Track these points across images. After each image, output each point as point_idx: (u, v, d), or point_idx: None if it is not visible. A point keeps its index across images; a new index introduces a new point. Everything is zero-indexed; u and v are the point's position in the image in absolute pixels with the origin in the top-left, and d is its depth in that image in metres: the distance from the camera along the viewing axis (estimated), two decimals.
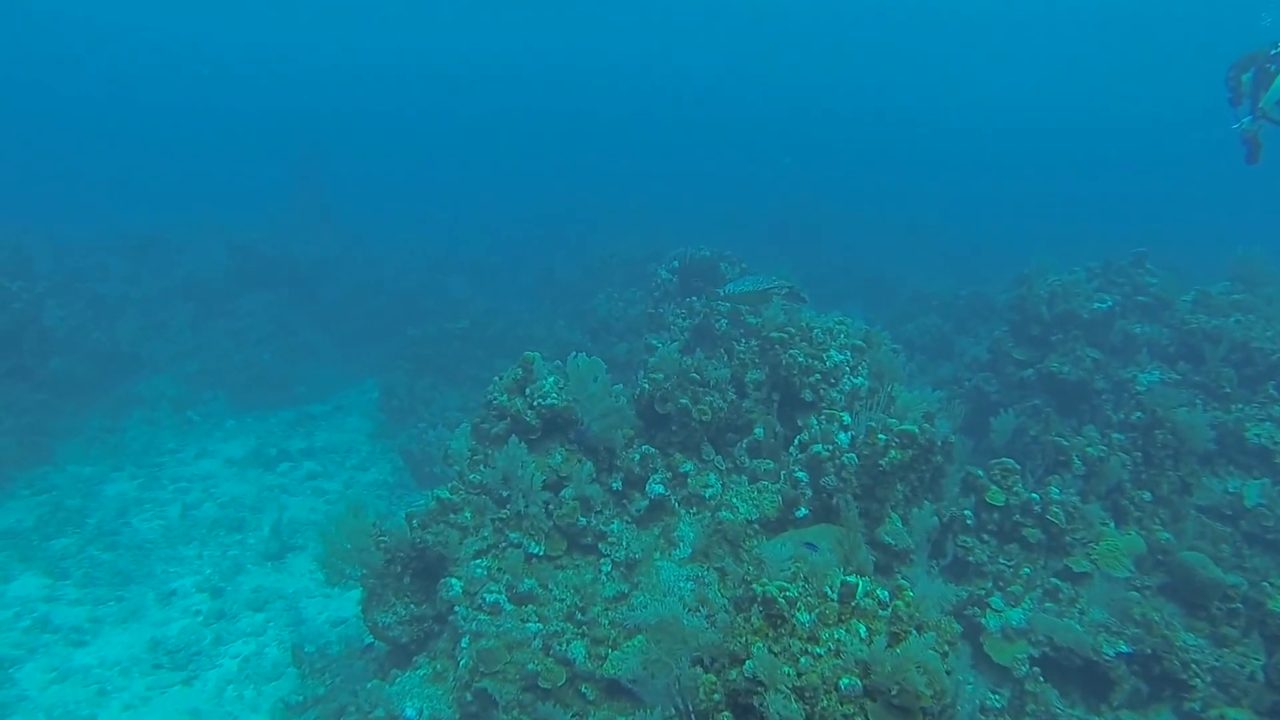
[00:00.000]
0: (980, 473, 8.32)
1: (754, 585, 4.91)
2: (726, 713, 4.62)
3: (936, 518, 7.65)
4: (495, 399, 8.04)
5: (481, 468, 7.67)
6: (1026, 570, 7.87)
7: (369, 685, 7.12)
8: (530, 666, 6.62)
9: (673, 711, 5.17)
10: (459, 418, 15.22)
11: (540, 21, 63.09)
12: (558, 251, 27.24)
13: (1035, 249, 13.65)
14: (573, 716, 6.58)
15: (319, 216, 26.53)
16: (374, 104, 70.41)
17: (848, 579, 4.93)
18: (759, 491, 8.06)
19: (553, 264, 25.55)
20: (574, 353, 7.96)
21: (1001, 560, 7.95)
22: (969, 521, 8.12)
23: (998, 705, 7.06)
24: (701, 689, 4.68)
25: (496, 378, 8.37)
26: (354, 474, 15.27)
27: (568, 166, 50.24)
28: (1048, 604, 7.65)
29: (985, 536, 8.12)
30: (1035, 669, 7.16)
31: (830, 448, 7.58)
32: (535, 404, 7.68)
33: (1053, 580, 7.80)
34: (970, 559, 7.94)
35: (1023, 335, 12.69)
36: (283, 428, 17.28)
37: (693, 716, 4.91)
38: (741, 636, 4.78)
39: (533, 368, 7.87)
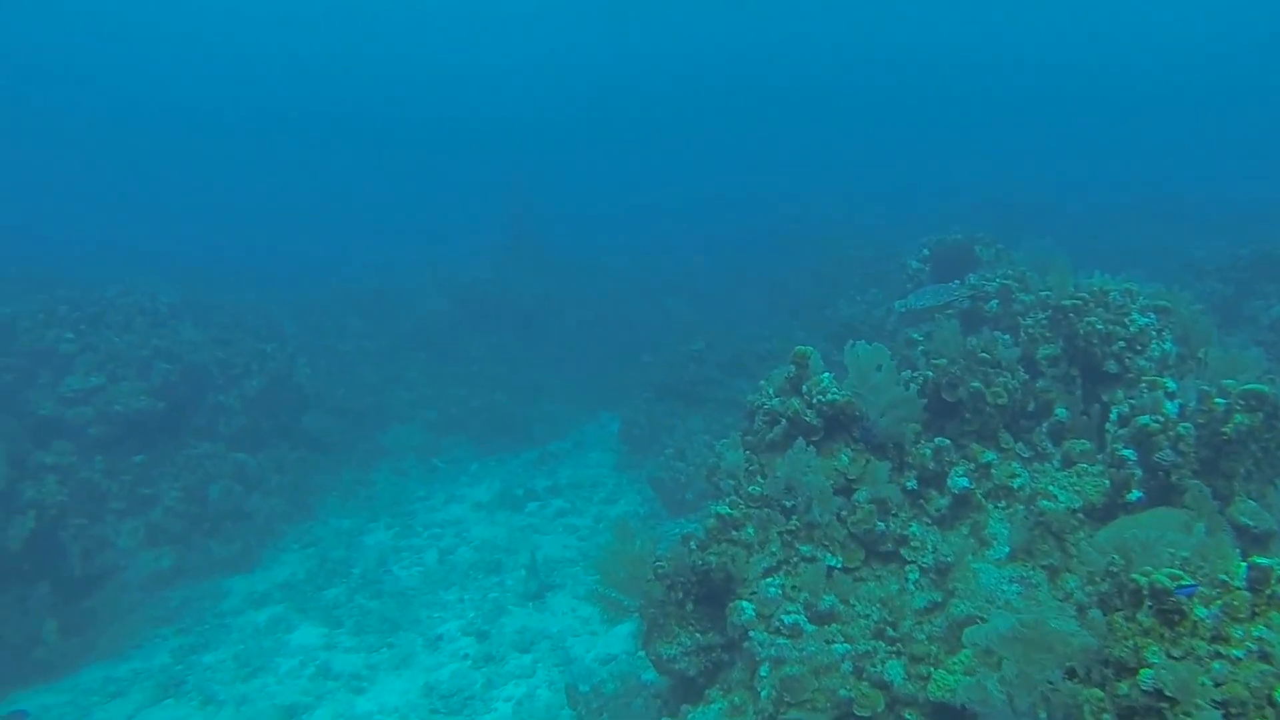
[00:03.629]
0: None
1: (1133, 575, 4.27)
2: None
3: None
4: (765, 404, 7.74)
5: (759, 478, 7.38)
6: None
7: None
8: (842, 693, 6.18)
9: None
10: (706, 441, 15.14)
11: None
12: (784, 261, 26.91)
13: None
14: None
15: (537, 263, 27.68)
16: (576, 130, 73.59)
17: (1258, 560, 4.19)
18: (1078, 476, 7.32)
19: (781, 275, 25.20)
20: (851, 341, 7.56)
21: None
22: None
23: None
24: (1086, 709, 4.08)
25: (762, 382, 8.08)
26: (603, 508, 15.49)
27: (770, 170, 50.00)
28: None
29: None
30: None
31: (1160, 419, 6.76)
32: (814, 401, 7.31)
33: None
34: None
35: None
36: (525, 468, 17.90)
37: None
38: (1128, 640, 4.15)
39: (808, 363, 7.53)
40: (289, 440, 17.33)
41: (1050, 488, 7.23)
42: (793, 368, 7.62)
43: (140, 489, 14.52)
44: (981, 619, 6.30)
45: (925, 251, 14.87)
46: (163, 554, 13.98)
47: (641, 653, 10.54)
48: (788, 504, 7.15)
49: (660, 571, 7.17)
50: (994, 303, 11.31)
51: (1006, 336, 8.81)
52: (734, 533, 7.04)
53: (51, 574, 12.25)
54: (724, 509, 7.11)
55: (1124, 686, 4.05)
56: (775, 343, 19.03)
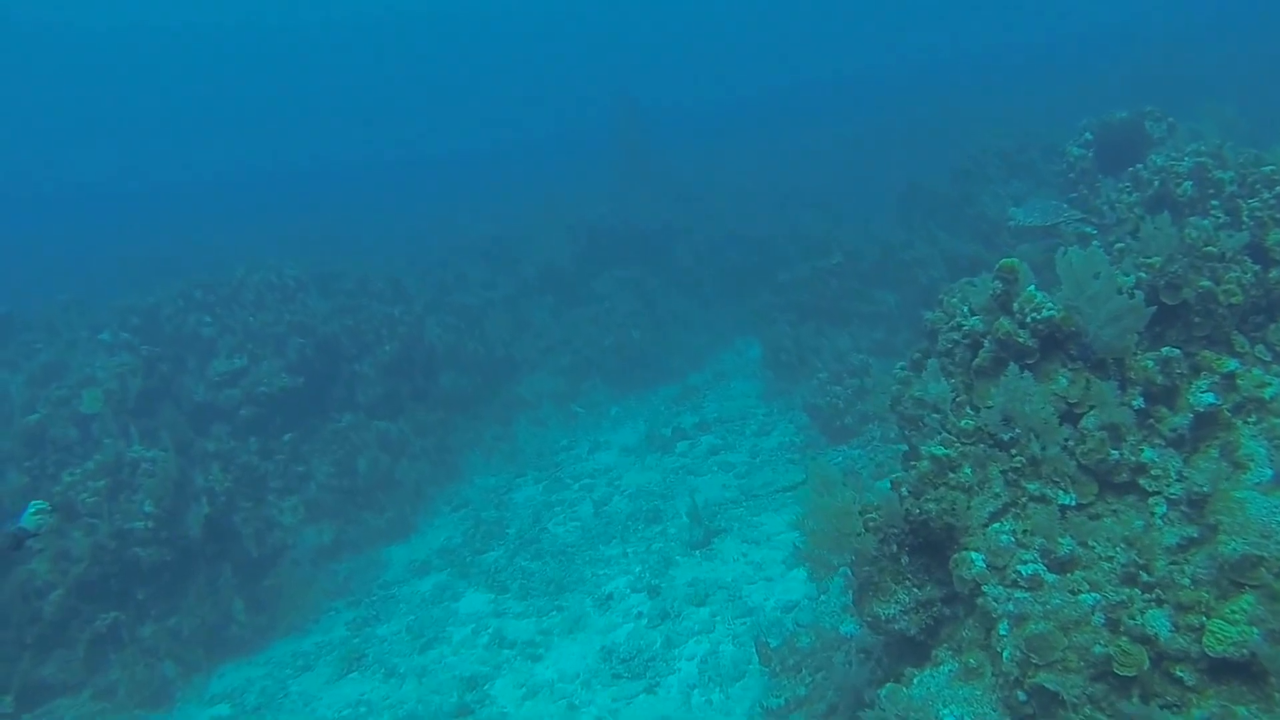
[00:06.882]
0: None
1: None
2: None
3: None
4: (962, 324, 6.92)
5: (968, 410, 6.60)
6: None
7: (886, 691, 6.33)
8: (1097, 650, 5.44)
9: None
10: (862, 361, 14.35)
11: None
12: (914, 160, 25.40)
13: None
14: (1170, 711, 5.33)
15: (653, 183, 26.90)
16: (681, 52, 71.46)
17: None
18: None
19: (913, 174, 23.75)
20: (1062, 248, 6.63)
21: None
22: None
23: None
24: None
25: (951, 299, 7.25)
26: (756, 441, 14.87)
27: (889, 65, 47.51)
28: None
29: None
30: None
31: None
32: (1029, 320, 6.45)
33: None
34: None
35: None
36: (668, 405, 17.42)
37: None
38: None
39: (1017, 277, 6.64)
40: (426, 402, 17.32)
41: None
42: (999, 283, 6.74)
43: (294, 466, 14.82)
44: (1261, 557, 5.44)
45: (1087, 135, 13.33)
46: (324, 529, 14.35)
47: (824, 597, 10.11)
48: (1004, 437, 6.36)
49: (871, 524, 6.52)
50: (1188, 185, 10.05)
51: (1205, 222, 7.72)
52: (950, 475, 6.30)
53: (231, 556, 12.69)
54: (938, 449, 6.35)
55: None
56: (920, 248, 17.94)
